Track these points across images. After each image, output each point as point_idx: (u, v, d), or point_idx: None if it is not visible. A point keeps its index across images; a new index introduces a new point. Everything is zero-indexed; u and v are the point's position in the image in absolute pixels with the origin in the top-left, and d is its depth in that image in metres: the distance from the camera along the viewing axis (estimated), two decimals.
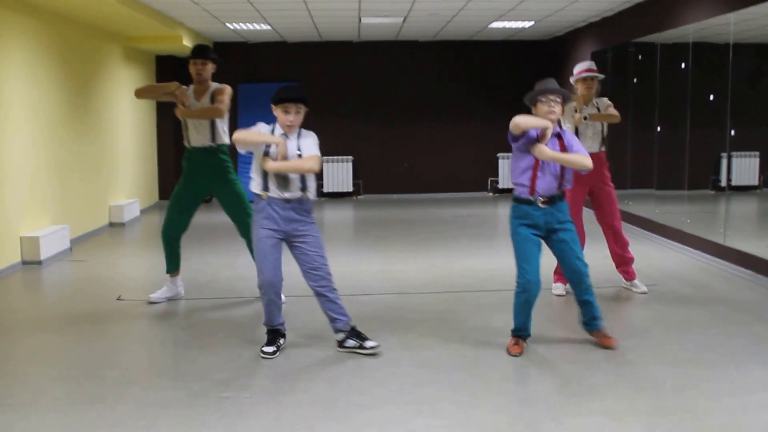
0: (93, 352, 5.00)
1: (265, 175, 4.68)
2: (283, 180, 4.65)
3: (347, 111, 13.90)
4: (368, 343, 4.79)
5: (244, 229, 6.08)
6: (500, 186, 13.96)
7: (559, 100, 4.66)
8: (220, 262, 8.02)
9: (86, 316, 5.85)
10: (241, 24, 11.13)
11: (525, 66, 13.76)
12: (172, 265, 6.28)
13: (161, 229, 6.21)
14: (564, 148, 4.68)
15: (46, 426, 3.78)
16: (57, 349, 5.13)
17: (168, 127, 13.32)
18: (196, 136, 5.98)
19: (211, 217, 10.82)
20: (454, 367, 4.57)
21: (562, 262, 4.82)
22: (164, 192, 13.53)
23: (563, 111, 4.85)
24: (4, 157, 7.49)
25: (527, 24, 11.39)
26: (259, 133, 4.66)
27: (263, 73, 13.80)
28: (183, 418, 3.83)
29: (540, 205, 4.67)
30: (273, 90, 14.11)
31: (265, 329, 4.95)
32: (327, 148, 14.31)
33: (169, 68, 13.28)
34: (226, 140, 6.00)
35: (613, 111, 6.23)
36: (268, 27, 11.46)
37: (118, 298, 6.38)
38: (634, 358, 4.69)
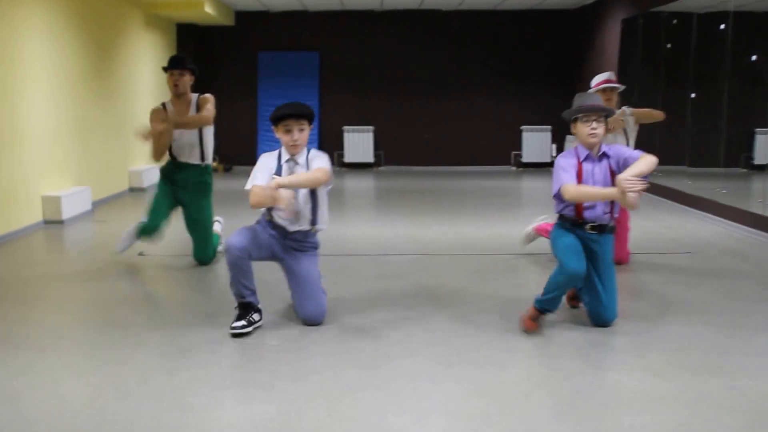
0: (116, 302, 4.91)
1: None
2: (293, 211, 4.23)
3: (368, 81, 13.73)
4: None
5: (199, 251, 5.80)
6: (524, 160, 13.75)
7: (601, 119, 4.15)
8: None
9: (108, 270, 5.78)
10: None
11: (552, 37, 13.53)
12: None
13: (139, 229, 5.83)
14: (613, 171, 4.15)
15: (66, 365, 3.70)
16: (79, 299, 5.05)
17: None
18: (187, 154, 5.69)
19: (224, 184, 10.76)
20: (487, 323, 4.44)
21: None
22: None
23: (607, 131, 4.32)
24: (23, 116, 7.40)
25: None
26: (269, 195, 4.02)
27: (284, 42, 13.66)
28: (202, 363, 3.74)
29: (588, 230, 4.20)
30: (293, 59, 14.09)
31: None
32: (347, 118, 14.34)
33: (190, 37, 13.18)
34: (211, 159, 5.80)
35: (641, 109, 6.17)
36: None
37: (140, 254, 6.30)
38: (671, 319, 4.53)
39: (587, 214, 4.18)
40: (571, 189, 4.03)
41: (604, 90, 5.86)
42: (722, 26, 7.98)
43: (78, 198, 8.16)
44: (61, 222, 7.75)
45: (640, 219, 7.90)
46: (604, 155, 4.19)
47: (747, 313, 4.64)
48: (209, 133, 5.73)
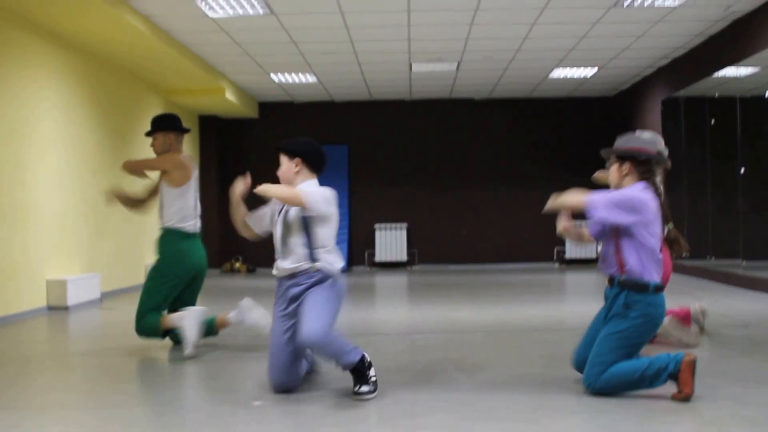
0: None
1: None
2: (282, 245, 4.17)
3: (400, 175, 13.76)
4: (357, 389, 4.05)
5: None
6: (567, 256, 13.48)
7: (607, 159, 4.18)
8: None
9: (109, 352, 5.61)
10: (285, 75, 11.22)
11: (590, 124, 13.54)
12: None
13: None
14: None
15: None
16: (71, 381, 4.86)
17: (210, 195, 13.35)
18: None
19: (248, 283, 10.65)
20: (516, 388, 4.14)
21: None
22: (208, 259, 13.42)
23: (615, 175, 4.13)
24: (30, 195, 7.46)
25: (590, 71, 11.23)
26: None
27: (310, 134, 13.70)
28: None
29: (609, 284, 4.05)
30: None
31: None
32: (379, 215, 14.28)
33: (213, 129, 13.44)
34: (169, 219, 5.42)
35: None
36: (314, 79, 11.54)
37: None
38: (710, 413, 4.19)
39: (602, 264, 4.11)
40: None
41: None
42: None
43: (85, 284, 8.10)
44: (65, 308, 7.66)
45: (691, 299, 7.62)
46: None
47: None
48: (167, 193, 5.44)
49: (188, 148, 12.82)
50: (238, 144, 13.88)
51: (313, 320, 3.92)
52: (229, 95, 11.35)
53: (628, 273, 3.84)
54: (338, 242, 13.57)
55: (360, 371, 4.01)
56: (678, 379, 3.71)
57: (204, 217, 13.09)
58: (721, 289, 8.68)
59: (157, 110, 11.26)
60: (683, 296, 7.90)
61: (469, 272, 12.86)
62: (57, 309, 7.66)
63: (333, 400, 3.90)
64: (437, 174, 13.74)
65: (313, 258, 4.10)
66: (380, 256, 13.65)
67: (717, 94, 9.38)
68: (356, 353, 4.00)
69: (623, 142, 4.10)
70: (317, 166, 4.26)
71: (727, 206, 8.87)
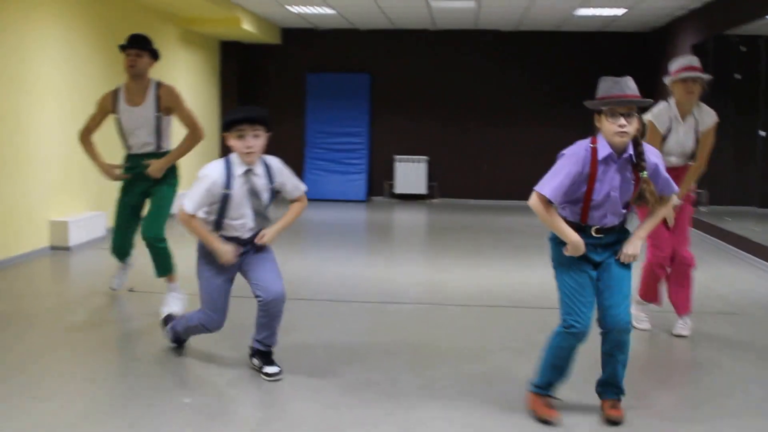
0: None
1: (220, 217, 4.14)
2: (253, 220, 4.17)
3: (422, 107, 13.59)
4: (267, 369, 4.24)
5: (147, 229, 5.49)
6: None
7: (632, 113, 3.52)
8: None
9: (89, 307, 5.80)
10: (302, 7, 11.01)
11: (623, 61, 13.07)
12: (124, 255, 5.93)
13: (112, 250, 5.84)
14: (638, 178, 3.58)
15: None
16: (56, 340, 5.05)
17: (231, 108, 13.38)
18: (138, 142, 5.56)
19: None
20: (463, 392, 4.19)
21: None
22: None
23: (640, 128, 3.61)
24: (30, 137, 7.57)
25: (619, 11, 10.80)
26: (207, 238, 4.11)
27: (333, 62, 13.68)
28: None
29: (593, 233, 3.65)
30: (343, 81, 14.12)
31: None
32: (400, 146, 14.20)
33: (235, 55, 13.36)
34: (170, 144, 5.64)
35: (708, 144, 5.09)
36: (332, 11, 11.31)
37: (130, 290, 6.30)
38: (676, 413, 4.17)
39: (591, 220, 3.63)
40: (540, 209, 3.54)
41: (684, 80, 4.90)
42: None
43: (89, 223, 8.28)
44: (67, 248, 7.87)
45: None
46: (630, 158, 3.57)
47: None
48: (165, 120, 5.62)
49: (208, 72, 12.79)
50: (261, 70, 13.79)
51: (278, 279, 4.18)
52: (246, 25, 11.21)
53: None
54: (357, 172, 13.79)
55: (269, 352, 4.30)
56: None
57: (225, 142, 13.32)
58: (729, 255, 8.51)
59: (174, 40, 11.21)
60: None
61: (489, 209, 12.80)
62: (59, 249, 7.89)
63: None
64: (460, 107, 13.53)
65: (266, 220, 4.24)
66: (400, 188, 13.65)
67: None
68: None
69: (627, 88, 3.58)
70: None
71: (746, 157, 8.62)
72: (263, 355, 4.30)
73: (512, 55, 13.40)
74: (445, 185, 13.78)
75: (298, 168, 13.77)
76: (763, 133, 8.29)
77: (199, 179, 4.06)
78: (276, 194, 4.26)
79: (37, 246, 7.73)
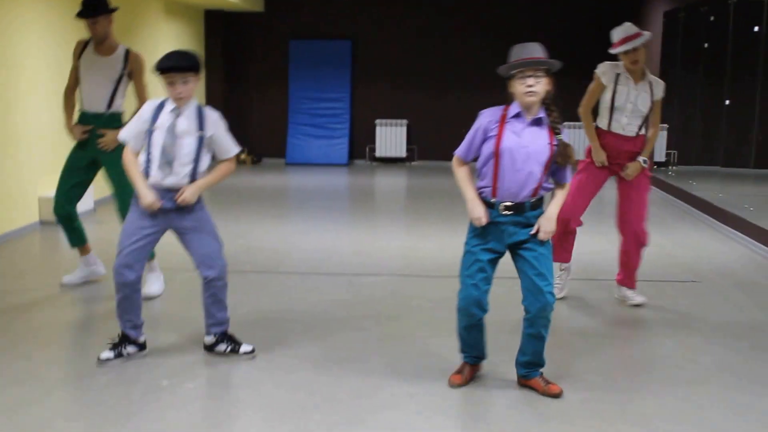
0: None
1: (148, 155, 4.11)
2: (167, 163, 4.08)
3: (403, 72, 13.64)
4: (243, 348, 4.33)
5: (124, 207, 5.33)
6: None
7: (540, 74, 3.65)
8: (236, 231, 8.00)
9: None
10: None
11: (598, 28, 13.06)
12: (75, 239, 5.72)
13: (53, 208, 5.70)
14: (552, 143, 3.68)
15: None
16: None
17: (217, 91, 13.42)
18: (90, 100, 5.47)
19: (249, 180, 10.86)
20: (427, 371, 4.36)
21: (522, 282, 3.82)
22: None
23: (551, 91, 3.73)
24: (19, 116, 7.63)
25: None
26: (135, 177, 4.12)
27: (315, 29, 13.66)
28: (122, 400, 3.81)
29: (502, 212, 3.73)
30: (325, 48, 14.06)
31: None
32: (380, 111, 14.26)
33: (219, 24, 13.32)
34: (120, 109, 5.57)
35: (658, 112, 5.26)
36: None
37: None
38: (635, 384, 4.36)
39: (500, 191, 3.70)
40: (454, 168, 3.86)
41: (626, 53, 5.11)
42: (756, 28, 7.63)
43: None
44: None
45: (656, 234, 7.66)
46: (541, 120, 3.70)
47: (725, 368, 4.40)
48: (123, 84, 5.55)
49: (193, 42, 12.76)
50: (245, 37, 13.77)
51: (217, 255, 4.19)
52: None
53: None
54: (339, 136, 13.88)
55: (228, 334, 4.32)
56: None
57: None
58: (695, 220, 8.68)
59: (158, 11, 11.17)
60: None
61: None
62: (48, 224, 7.99)
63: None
64: (440, 72, 13.59)
65: (195, 176, 4.15)
66: (380, 151, 13.77)
67: None
68: None
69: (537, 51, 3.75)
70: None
71: (714, 123, 8.78)
72: (229, 337, 4.33)
73: (492, 22, 13.43)
74: (424, 149, 13.90)
75: (282, 133, 13.85)
76: (728, 102, 8.43)
77: (141, 111, 4.20)
78: (201, 147, 4.13)
79: (29, 221, 7.83)
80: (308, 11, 13.57)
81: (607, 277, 5.89)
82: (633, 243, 5.34)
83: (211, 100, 13.55)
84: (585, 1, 13.18)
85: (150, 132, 4.11)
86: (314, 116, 13.76)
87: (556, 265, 5.39)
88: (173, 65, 4.03)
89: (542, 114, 3.71)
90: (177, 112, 4.12)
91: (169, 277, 5.73)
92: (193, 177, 4.14)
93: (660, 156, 10.56)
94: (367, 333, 4.84)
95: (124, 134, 4.19)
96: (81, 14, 5.36)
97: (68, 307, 5.40)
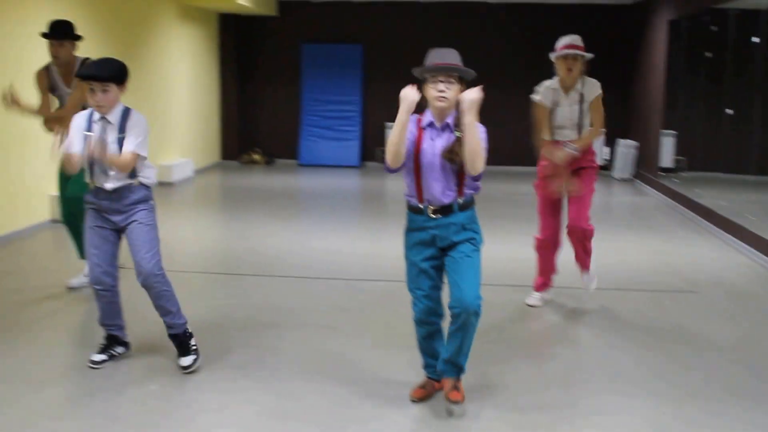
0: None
1: (88, 162, 4.04)
2: (102, 171, 4.02)
3: (412, 76, 13.50)
4: (182, 361, 4.18)
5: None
6: None
7: (452, 80, 3.58)
8: (240, 232, 7.99)
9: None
10: None
11: (604, 35, 12.98)
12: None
13: (61, 217, 5.70)
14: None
15: None
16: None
17: (231, 92, 13.45)
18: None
19: (260, 181, 10.85)
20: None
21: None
22: (227, 152, 13.75)
23: (461, 93, 3.60)
24: (33, 123, 7.64)
25: None
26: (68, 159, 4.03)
27: (327, 33, 13.64)
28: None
29: (431, 215, 3.66)
30: (336, 51, 14.05)
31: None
32: (390, 114, 13.99)
33: (233, 27, 13.33)
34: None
35: (598, 111, 5.18)
36: None
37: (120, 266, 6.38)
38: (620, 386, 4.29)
39: (426, 195, 3.63)
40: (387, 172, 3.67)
41: (565, 57, 5.11)
42: (756, 39, 7.51)
43: None
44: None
45: (657, 242, 7.58)
46: (448, 126, 3.61)
47: (711, 381, 4.33)
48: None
49: (207, 45, 12.77)
50: (258, 41, 13.78)
51: (147, 255, 4.04)
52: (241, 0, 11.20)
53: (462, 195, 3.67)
54: (351, 138, 13.84)
55: (183, 339, 4.18)
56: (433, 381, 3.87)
57: (224, 110, 13.38)
58: (700, 228, 8.56)
59: (172, 15, 11.20)
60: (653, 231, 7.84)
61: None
62: (58, 222, 8.01)
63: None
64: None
65: (134, 174, 4.09)
66: None
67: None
68: (184, 316, 4.21)
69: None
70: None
71: (716, 125, 8.66)
72: (176, 340, 4.22)
73: (498, 27, 13.38)
74: None
75: (294, 134, 13.84)
76: (730, 111, 8.30)
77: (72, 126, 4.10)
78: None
79: (40, 219, 7.87)
80: (320, 16, 13.55)
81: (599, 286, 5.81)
82: (582, 236, 5.33)
83: (226, 101, 13.60)
84: (592, 10, 13.04)
85: (85, 138, 4.01)
86: (326, 118, 13.73)
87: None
88: (92, 74, 3.94)
89: (450, 119, 3.61)
90: (105, 121, 4.01)
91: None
92: (132, 176, 4.07)
93: (668, 162, 10.44)
94: (359, 340, 4.79)
95: (70, 149, 4.05)
96: (48, 36, 5.32)
97: (71, 306, 5.43)
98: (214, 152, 13.52)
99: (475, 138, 3.49)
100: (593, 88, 5.21)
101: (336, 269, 6.53)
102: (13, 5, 7.33)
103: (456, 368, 3.75)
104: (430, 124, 3.64)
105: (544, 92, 5.28)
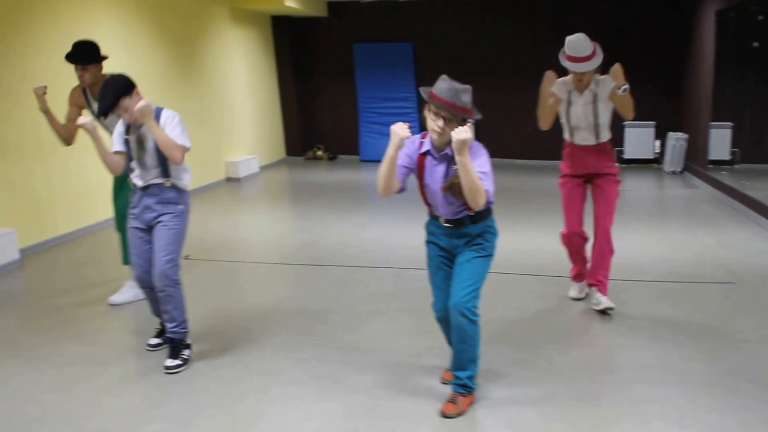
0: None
1: (130, 159, 4.16)
2: (140, 165, 4.12)
3: (464, 73, 13.51)
4: (167, 362, 4.20)
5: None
6: (626, 156, 13.13)
7: (454, 120, 3.37)
8: (300, 225, 8.16)
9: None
10: None
11: (655, 28, 12.75)
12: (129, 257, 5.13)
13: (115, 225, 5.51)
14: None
15: None
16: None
17: (289, 91, 13.71)
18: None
19: (323, 176, 11.03)
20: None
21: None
22: (291, 148, 14.04)
23: (453, 128, 3.40)
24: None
25: None
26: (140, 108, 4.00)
27: (377, 32, 13.76)
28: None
29: (444, 224, 3.66)
30: (387, 50, 14.04)
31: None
32: None
33: (285, 28, 13.59)
34: None
35: (622, 100, 4.94)
36: None
37: (186, 257, 6.62)
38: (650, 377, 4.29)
39: (436, 212, 3.66)
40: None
41: (573, 72, 4.96)
42: None
43: None
44: None
45: (702, 234, 7.46)
46: (446, 157, 3.50)
47: (737, 373, 4.30)
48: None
49: (261, 46, 13.02)
50: (311, 41, 14.00)
51: (161, 256, 4.07)
52: (290, 2, 11.41)
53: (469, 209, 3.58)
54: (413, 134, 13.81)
55: (178, 345, 4.24)
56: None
57: (285, 109, 13.63)
58: (747, 219, 8.38)
59: (225, 18, 11.45)
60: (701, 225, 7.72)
61: (530, 169, 12.85)
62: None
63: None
64: (500, 72, 13.48)
65: (167, 172, 4.14)
66: None
67: None
68: (187, 327, 4.29)
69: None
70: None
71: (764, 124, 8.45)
72: (171, 343, 4.26)
73: (550, 22, 13.21)
74: (491, 146, 13.74)
75: (354, 131, 14.03)
76: None
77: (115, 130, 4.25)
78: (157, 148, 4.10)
79: (106, 217, 8.22)
80: (369, 16, 13.68)
81: (633, 277, 5.78)
82: (604, 243, 5.16)
83: (285, 100, 13.86)
84: (639, 3, 12.81)
85: (126, 141, 4.16)
86: (383, 115, 13.85)
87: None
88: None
89: (450, 150, 3.49)
90: (137, 127, 4.11)
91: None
92: (165, 175, 4.13)
93: (724, 154, 10.21)
94: (399, 324, 4.91)
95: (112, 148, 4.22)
96: (72, 60, 5.01)
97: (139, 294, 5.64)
98: (279, 149, 13.82)
99: (471, 176, 3.28)
100: (606, 85, 5.08)
101: (389, 259, 6.64)
102: (74, 5, 7.65)
103: (458, 381, 3.73)
104: (428, 152, 3.55)
105: (558, 85, 5.17)
